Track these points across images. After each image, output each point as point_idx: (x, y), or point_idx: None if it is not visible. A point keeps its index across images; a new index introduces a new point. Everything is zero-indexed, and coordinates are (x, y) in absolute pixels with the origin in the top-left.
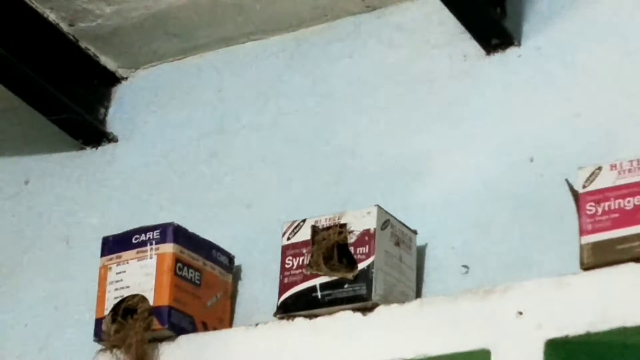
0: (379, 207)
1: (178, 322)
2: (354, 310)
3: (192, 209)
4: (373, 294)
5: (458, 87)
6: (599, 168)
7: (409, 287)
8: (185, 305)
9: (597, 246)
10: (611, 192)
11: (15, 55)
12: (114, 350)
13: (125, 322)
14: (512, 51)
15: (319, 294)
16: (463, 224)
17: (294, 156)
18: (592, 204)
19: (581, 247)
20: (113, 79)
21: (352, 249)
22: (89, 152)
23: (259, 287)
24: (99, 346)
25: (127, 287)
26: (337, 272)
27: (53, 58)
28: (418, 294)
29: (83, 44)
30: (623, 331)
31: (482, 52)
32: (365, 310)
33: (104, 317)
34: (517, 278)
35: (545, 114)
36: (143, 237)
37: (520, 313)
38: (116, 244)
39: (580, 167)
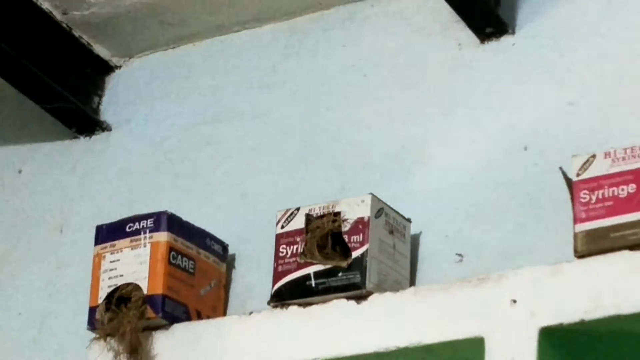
0: (373, 196)
1: (172, 310)
2: (348, 298)
3: (186, 198)
4: (367, 282)
5: (452, 76)
6: (593, 156)
7: (403, 276)
8: (179, 293)
9: (591, 234)
10: (605, 180)
11: (9, 43)
12: (108, 338)
13: (119, 310)
14: (506, 39)
15: (312, 282)
16: (457, 213)
17: (287, 145)
18: (586, 192)
19: (575, 235)
20: (107, 68)
21: (346, 237)
22: (82, 140)
23: (253, 275)
24: (93, 335)
25: (121, 275)
26: (331, 260)
27: (46, 46)
28: (412, 282)
29: (76, 33)
30: (617, 319)
31: (477, 40)
32: (359, 298)
33: (97, 306)
34: (511, 266)
35: (539, 102)
36: (137, 226)
37: (514, 301)
38: (110, 233)
39: (574, 155)
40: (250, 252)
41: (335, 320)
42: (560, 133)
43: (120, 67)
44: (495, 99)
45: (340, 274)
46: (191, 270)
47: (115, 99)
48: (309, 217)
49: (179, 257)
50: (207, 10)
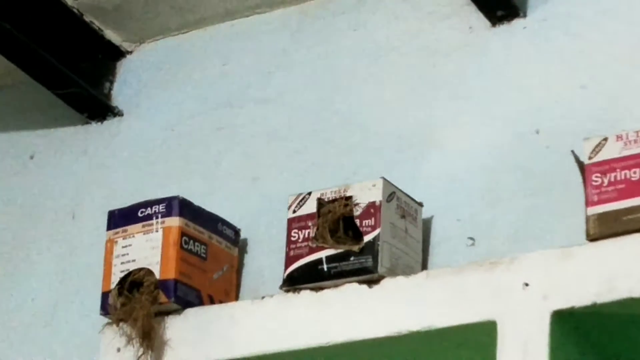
0: (385, 180)
1: (184, 295)
2: (360, 282)
3: (198, 183)
4: (379, 266)
5: (463, 59)
6: (605, 139)
7: (415, 260)
8: (191, 278)
9: (603, 217)
10: (617, 162)
11: (20, 29)
12: (121, 323)
13: (131, 295)
14: (517, 22)
15: (324, 266)
16: (469, 196)
17: (299, 129)
18: (598, 174)
19: (587, 218)
20: (118, 53)
21: (357, 221)
22: (94, 126)
23: (265, 260)
24: (106, 320)
25: (133, 260)
26: (343, 244)
27: (58, 32)
28: (424, 266)
29: (87, 18)
30: (629, 302)
31: (488, 23)
32: (371, 282)
33: (110, 291)
34: (523, 250)
35: (551, 85)
36: (149, 211)
37: (527, 284)
38: (122, 218)
39: (586, 138)
40: (262, 236)
41: (347, 304)
42: (572, 116)
43: (131, 52)
44: (507, 82)
45: (352, 258)
46: (203, 255)
47: (127, 84)
48: (320, 202)
49: (191, 242)
50: None
